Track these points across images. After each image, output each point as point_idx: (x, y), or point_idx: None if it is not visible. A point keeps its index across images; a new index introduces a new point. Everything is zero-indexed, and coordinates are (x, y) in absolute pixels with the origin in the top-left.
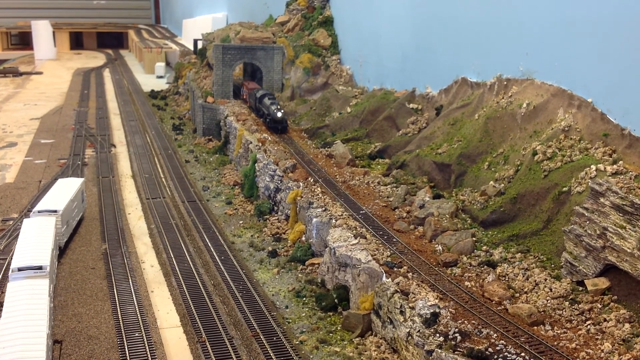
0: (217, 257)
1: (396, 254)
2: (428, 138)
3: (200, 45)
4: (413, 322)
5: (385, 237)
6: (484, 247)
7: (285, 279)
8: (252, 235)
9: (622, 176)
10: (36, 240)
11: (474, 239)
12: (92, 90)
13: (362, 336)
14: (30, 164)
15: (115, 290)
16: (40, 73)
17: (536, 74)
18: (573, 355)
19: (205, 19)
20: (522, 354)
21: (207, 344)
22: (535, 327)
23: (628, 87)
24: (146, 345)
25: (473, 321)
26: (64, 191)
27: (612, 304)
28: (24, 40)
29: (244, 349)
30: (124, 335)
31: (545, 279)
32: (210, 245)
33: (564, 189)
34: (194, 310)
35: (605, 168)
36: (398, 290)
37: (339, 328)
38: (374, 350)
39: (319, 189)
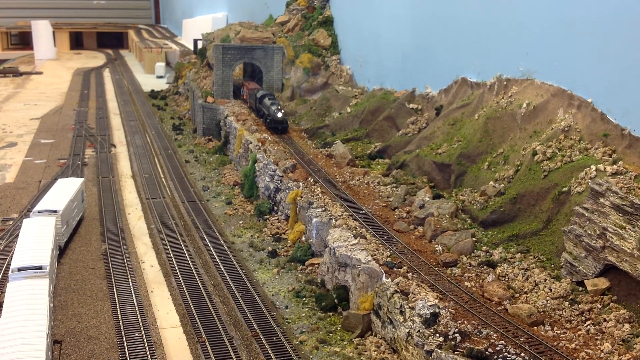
0: (217, 257)
1: (396, 254)
2: (428, 138)
3: (200, 45)
4: (413, 322)
5: (385, 237)
6: (484, 247)
7: (285, 279)
8: (252, 236)
9: (622, 176)
10: (36, 240)
11: (474, 239)
12: (92, 90)
13: (362, 336)
14: (30, 164)
15: (115, 291)
16: (40, 73)
17: (536, 74)
18: (573, 356)
19: (205, 19)
20: (522, 354)
21: (207, 344)
22: (535, 328)
23: (628, 87)
24: (146, 345)
25: (473, 321)
26: (64, 191)
27: (611, 304)
28: (24, 40)
29: (244, 349)
30: (123, 335)
31: (545, 279)
32: (210, 245)
33: (564, 189)
34: (193, 310)
35: (605, 168)
36: (398, 290)
37: (338, 328)
38: (374, 351)
39: (318, 189)
